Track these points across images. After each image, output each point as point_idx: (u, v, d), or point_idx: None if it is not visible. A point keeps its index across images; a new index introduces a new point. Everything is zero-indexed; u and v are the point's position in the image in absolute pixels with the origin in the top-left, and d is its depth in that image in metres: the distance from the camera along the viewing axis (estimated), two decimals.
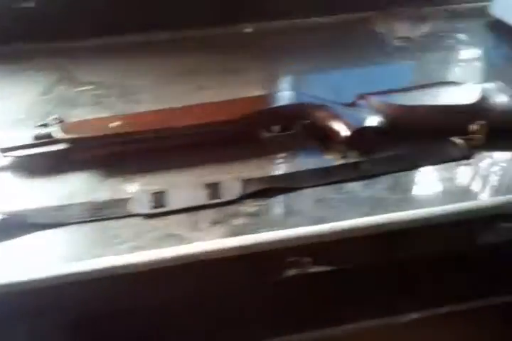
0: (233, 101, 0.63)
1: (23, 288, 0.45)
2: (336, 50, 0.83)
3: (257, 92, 0.68)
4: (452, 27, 0.89)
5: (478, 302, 0.70)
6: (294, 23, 0.89)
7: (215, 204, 0.53)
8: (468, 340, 0.86)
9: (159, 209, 0.52)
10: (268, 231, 0.49)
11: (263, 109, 0.62)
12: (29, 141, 0.58)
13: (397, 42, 0.85)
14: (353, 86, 0.68)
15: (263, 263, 0.50)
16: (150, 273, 0.47)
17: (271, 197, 0.54)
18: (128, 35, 0.83)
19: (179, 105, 0.63)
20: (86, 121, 0.61)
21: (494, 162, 0.58)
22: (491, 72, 0.79)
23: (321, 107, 0.62)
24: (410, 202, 0.53)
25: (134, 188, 0.55)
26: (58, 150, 0.57)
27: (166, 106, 0.63)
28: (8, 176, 0.58)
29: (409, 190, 0.55)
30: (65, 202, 0.53)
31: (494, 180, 0.56)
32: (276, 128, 0.62)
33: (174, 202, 0.53)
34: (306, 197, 0.54)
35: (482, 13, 0.91)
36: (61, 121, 0.60)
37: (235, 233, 0.49)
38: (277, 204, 0.54)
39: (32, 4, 0.81)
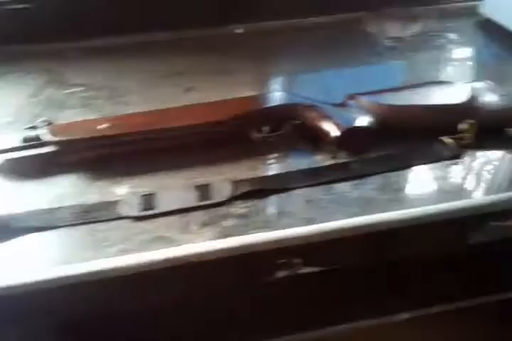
0: (223, 102, 0.63)
1: (11, 292, 0.45)
2: (327, 50, 0.83)
3: (247, 93, 0.68)
4: (442, 26, 0.89)
5: (468, 301, 0.70)
6: (284, 23, 0.89)
7: (205, 206, 0.53)
8: (460, 339, 0.86)
9: (148, 211, 0.52)
10: (258, 232, 0.49)
11: (253, 110, 0.62)
12: (17, 143, 0.57)
13: (388, 42, 0.85)
14: (344, 86, 0.68)
15: (253, 265, 0.50)
16: (140, 275, 0.47)
17: (261, 198, 0.54)
18: (117, 37, 0.83)
19: (168, 107, 0.62)
20: (74, 123, 0.61)
21: (484, 161, 0.58)
22: (481, 72, 0.79)
23: (311, 107, 0.62)
24: (400, 202, 0.53)
25: (123, 190, 0.55)
26: (47, 153, 0.57)
27: (155, 107, 0.63)
28: None
29: (399, 189, 0.55)
30: (54, 205, 0.53)
31: (484, 179, 0.56)
32: (266, 128, 0.62)
33: (164, 204, 0.53)
34: (296, 198, 0.54)
35: (472, 12, 0.91)
36: (49, 124, 0.60)
37: (225, 234, 0.49)
38: (267, 206, 0.53)
39: (21, 6, 0.81)
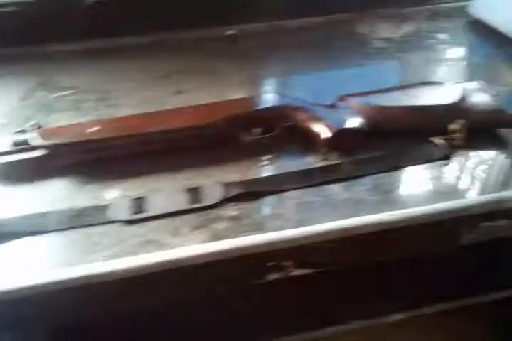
0: (213, 105, 0.63)
1: (2, 297, 0.45)
2: (318, 51, 0.83)
3: (237, 95, 0.68)
4: (432, 27, 0.90)
5: (460, 302, 0.70)
6: (274, 25, 0.89)
7: (196, 209, 0.52)
8: (455, 339, 0.86)
9: (139, 215, 0.52)
10: (250, 235, 0.49)
11: (244, 112, 0.61)
12: (6, 147, 0.57)
13: (378, 43, 0.85)
14: (335, 87, 0.68)
15: (245, 268, 0.50)
16: (131, 280, 0.46)
17: (252, 200, 0.54)
18: (107, 39, 0.83)
19: (159, 109, 0.62)
20: (64, 126, 0.61)
21: (474, 161, 0.58)
22: (471, 72, 0.79)
23: (301, 109, 0.62)
24: (391, 203, 0.53)
25: (114, 194, 0.55)
26: (36, 157, 0.57)
27: (146, 110, 0.63)
28: None
29: (390, 191, 0.55)
30: (44, 210, 0.53)
31: (475, 179, 0.56)
32: (257, 130, 0.61)
33: (154, 207, 0.53)
34: (288, 200, 0.54)
35: (462, 12, 0.92)
36: (39, 127, 0.59)
37: (216, 237, 0.49)
38: (259, 208, 0.53)
39: (10, 9, 0.80)
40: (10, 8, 0.80)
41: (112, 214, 0.52)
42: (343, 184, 0.56)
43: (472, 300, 0.69)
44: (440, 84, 0.66)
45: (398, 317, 0.72)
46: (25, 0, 0.80)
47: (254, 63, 0.80)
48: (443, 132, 0.59)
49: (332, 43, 0.85)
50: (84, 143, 0.57)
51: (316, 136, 0.60)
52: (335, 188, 0.55)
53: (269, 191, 0.55)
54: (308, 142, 0.61)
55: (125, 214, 0.52)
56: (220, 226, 0.51)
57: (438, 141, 0.59)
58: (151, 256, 0.47)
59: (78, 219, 0.52)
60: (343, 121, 0.59)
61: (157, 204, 0.53)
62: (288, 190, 0.55)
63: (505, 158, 0.59)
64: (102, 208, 0.53)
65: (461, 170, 0.57)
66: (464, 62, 0.82)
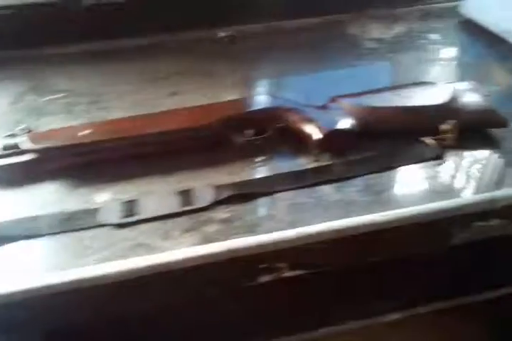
0: (206, 107, 0.63)
1: None
2: (310, 52, 0.83)
3: (230, 97, 0.67)
4: (424, 27, 0.90)
5: (456, 300, 0.70)
6: (266, 26, 0.88)
7: (188, 212, 0.52)
8: (450, 338, 0.86)
9: (130, 218, 0.51)
10: (241, 237, 0.49)
11: (236, 114, 0.61)
12: None
13: (370, 44, 0.85)
14: (327, 88, 0.68)
15: (236, 270, 0.50)
16: (121, 283, 0.46)
17: (244, 202, 0.54)
18: (99, 42, 0.82)
19: (152, 112, 0.62)
20: (54, 130, 0.60)
21: (466, 161, 0.59)
22: (463, 72, 0.79)
23: (293, 110, 0.62)
24: (383, 204, 0.53)
25: (105, 197, 0.55)
26: (26, 161, 0.56)
27: (139, 113, 0.62)
28: None
29: (381, 191, 0.55)
30: (35, 214, 0.52)
31: (466, 179, 0.56)
32: (249, 132, 0.61)
33: (146, 210, 0.52)
34: (280, 202, 0.54)
35: (453, 12, 0.92)
36: (29, 131, 0.59)
37: (207, 240, 0.49)
38: (250, 210, 0.53)
39: (1, 12, 0.80)
40: (4, 11, 0.80)
41: (102, 218, 0.52)
42: (334, 185, 0.56)
43: (466, 299, 0.69)
44: (431, 85, 0.66)
45: (393, 316, 0.72)
46: (20, 3, 0.79)
47: (248, 64, 0.80)
48: (434, 132, 0.59)
49: (324, 44, 0.85)
50: (75, 147, 0.57)
51: (308, 137, 0.60)
52: (326, 189, 0.55)
53: (260, 193, 0.55)
54: (299, 143, 0.61)
55: (116, 218, 0.52)
56: (211, 228, 0.50)
57: (429, 141, 0.59)
58: (141, 260, 0.47)
59: (69, 223, 0.52)
60: (335, 122, 0.59)
61: (148, 207, 0.53)
62: (280, 191, 0.55)
63: (496, 157, 0.59)
64: (93, 212, 0.52)
65: (453, 170, 0.58)
66: (456, 62, 0.82)
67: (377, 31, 0.88)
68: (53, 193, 0.56)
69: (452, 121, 0.59)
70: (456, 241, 0.54)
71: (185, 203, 0.53)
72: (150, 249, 0.48)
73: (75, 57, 0.81)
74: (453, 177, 0.57)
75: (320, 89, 0.70)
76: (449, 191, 0.55)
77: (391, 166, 0.58)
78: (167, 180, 0.57)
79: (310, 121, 0.60)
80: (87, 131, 0.58)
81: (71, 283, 0.45)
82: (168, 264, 0.47)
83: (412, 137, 0.60)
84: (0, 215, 0.52)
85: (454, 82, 0.68)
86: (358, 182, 0.56)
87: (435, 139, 0.59)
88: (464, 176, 0.57)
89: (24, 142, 0.57)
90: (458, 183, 0.56)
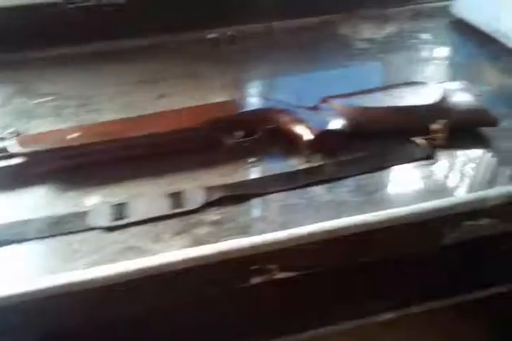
0: (195, 108, 0.63)
1: None
2: (301, 53, 0.83)
3: (220, 98, 0.67)
4: (415, 27, 0.90)
5: (449, 300, 0.70)
6: (256, 27, 0.88)
7: (178, 214, 0.52)
8: (445, 337, 0.86)
9: (120, 221, 0.51)
10: (232, 239, 0.49)
11: (226, 115, 0.61)
12: None
13: (361, 44, 0.85)
14: (318, 89, 0.68)
15: (228, 272, 0.50)
16: (111, 287, 0.46)
17: (235, 204, 0.53)
18: (86, 44, 0.82)
19: (141, 114, 0.62)
20: (43, 133, 0.60)
21: (457, 161, 0.59)
22: (454, 71, 0.79)
23: (284, 111, 0.62)
24: (374, 204, 0.53)
25: (95, 200, 0.54)
26: (15, 165, 0.56)
27: (128, 115, 0.62)
28: None
29: (373, 192, 0.55)
30: (24, 218, 0.52)
31: (457, 178, 0.56)
32: (239, 134, 0.61)
33: (136, 213, 0.52)
34: (271, 203, 0.54)
35: (445, 12, 0.92)
36: (18, 135, 0.59)
37: (198, 242, 0.49)
38: (241, 211, 0.53)
39: None
40: None
41: (92, 221, 0.51)
42: (326, 186, 0.55)
43: (459, 298, 0.69)
44: (422, 85, 0.66)
45: (387, 316, 0.72)
46: (7, 6, 0.78)
47: (238, 66, 0.80)
48: (425, 132, 0.59)
49: (315, 45, 0.85)
50: (64, 150, 0.56)
51: (299, 138, 0.59)
52: (318, 190, 0.55)
53: (252, 194, 0.54)
54: (290, 144, 0.60)
55: (105, 221, 0.51)
56: (202, 231, 0.50)
57: (420, 141, 0.59)
58: (132, 263, 0.46)
59: (58, 227, 0.51)
60: (326, 123, 0.59)
61: (138, 210, 0.52)
62: (271, 192, 0.55)
63: (487, 157, 0.59)
64: (82, 215, 0.52)
65: (444, 169, 0.58)
66: (447, 62, 0.82)
67: (368, 31, 0.88)
68: (42, 197, 0.55)
69: (443, 121, 0.59)
70: (447, 240, 0.54)
71: (175, 205, 0.53)
72: (140, 252, 0.48)
73: (63, 60, 0.80)
74: (444, 176, 0.57)
75: (311, 90, 0.69)
76: (440, 191, 0.55)
77: (382, 166, 0.58)
78: (157, 183, 0.56)
79: (301, 121, 0.60)
80: (75, 134, 0.57)
81: (61, 287, 0.45)
82: (159, 267, 0.46)
83: (403, 137, 0.60)
84: None
85: (445, 81, 0.68)
86: (350, 182, 0.56)
87: (426, 139, 0.59)
88: (454, 176, 0.57)
89: (13, 145, 0.56)
90: (449, 183, 0.56)
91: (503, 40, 0.80)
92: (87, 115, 0.68)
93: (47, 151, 0.56)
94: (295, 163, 0.59)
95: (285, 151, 0.60)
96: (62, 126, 0.63)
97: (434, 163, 0.58)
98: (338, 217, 0.51)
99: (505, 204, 0.53)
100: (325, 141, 0.59)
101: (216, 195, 0.54)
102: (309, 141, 0.58)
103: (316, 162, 0.58)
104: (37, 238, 0.50)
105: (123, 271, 0.46)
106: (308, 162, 0.59)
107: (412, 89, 0.65)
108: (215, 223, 0.51)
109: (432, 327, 0.83)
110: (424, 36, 0.87)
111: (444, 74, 0.79)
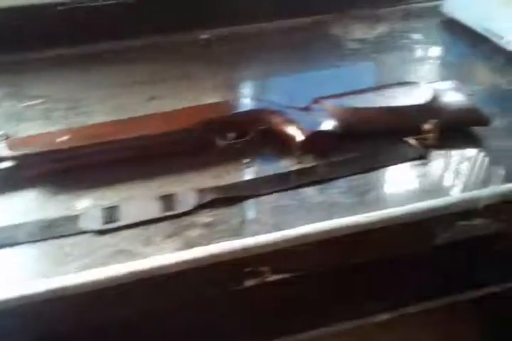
0: (187, 110, 0.62)
1: None
2: (293, 54, 0.82)
3: (212, 100, 0.67)
4: (406, 27, 0.90)
5: (446, 300, 0.70)
6: (248, 28, 0.88)
7: (170, 217, 0.52)
8: (441, 337, 0.86)
9: (111, 224, 0.51)
10: (224, 241, 0.48)
11: (218, 117, 0.61)
12: None
13: (352, 44, 0.85)
14: (310, 90, 0.68)
15: (221, 275, 0.49)
16: (102, 291, 0.45)
17: (227, 206, 0.53)
18: (76, 46, 0.81)
19: (132, 116, 0.61)
20: (33, 136, 0.59)
21: (449, 160, 0.59)
22: (446, 71, 0.79)
23: (275, 112, 0.61)
24: (366, 205, 0.53)
25: (86, 204, 0.54)
26: (4, 168, 0.55)
27: (119, 117, 0.62)
28: None
29: (365, 192, 0.55)
30: (15, 222, 0.52)
31: (450, 178, 0.56)
32: (231, 135, 0.61)
33: (127, 216, 0.52)
34: (263, 205, 0.54)
35: (436, 12, 0.92)
36: (7, 138, 0.58)
37: (190, 245, 0.48)
38: (233, 213, 0.53)
39: None
40: None
41: (83, 225, 0.51)
42: (317, 187, 0.55)
43: (453, 298, 0.69)
44: (413, 84, 0.66)
45: (383, 317, 0.71)
46: None
47: (229, 67, 0.80)
48: (417, 132, 0.59)
49: (306, 45, 0.85)
50: (54, 153, 0.56)
51: (290, 139, 0.59)
52: (310, 191, 0.55)
53: (244, 196, 0.54)
54: (282, 145, 0.60)
55: (97, 224, 0.51)
56: (194, 233, 0.50)
57: (412, 141, 0.59)
58: (123, 267, 0.46)
59: (49, 231, 0.51)
60: (317, 124, 0.59)
61: (129, 213, 0.52)
62: (263, 194, 0.54)
63: (479, 156, 0.59)
64: (73, 218, 0.52)
65: (436, 169, 0.58)
66: (439, 62, 0.82)
67: (359, 31, 0.88)
68: (33, 200, 0.55)
69: (435, 121, 0.58)
70: (440, 241, 0.54)
71: (167, 208, 0.52)
72: (132, 256, 0.47)
73: (52, 62, 0.79)
74: (436, 176, 0.57)
75: (303, 91, 0.69)
76: (432, 191, 0.55)
77: (374, 167, 0.58)
78: (148, 185, 0.56)
79: (292, 122, 0.60)
80: (65, 137, 0.57)
81: (53, 291, 0.45)
82: (150, 270, 0.46)
83: (395, 137, 0.60)
84: None
85: (436, 81, 0.68)
86: (342, 183, 0.56)
87: (418, 139, 0.59)
88: (447, 175, 0.57)
89: (2, 149, 0.56)
90: (441, 183, 0.56)
91: (494, 39, 0.80)
92: (77, 118, 0.67)
93: (37, 154, 0.56)
94: (287, 164, 0.58)
95: (277, 152, 0.60)
96: (52, 128, 0.63)
97: (426, 163, 0.58)
98: (330, 218, 0.50)
99: (498, 203, 0.53)
100: (316, 141, 0.59)
101: (208, 197, 0.53)
102: (301, 142, 0.58)
103: (308, 163, 0.58)
104: (28, 242, 0.50)
105: (114, 275, 0.45)
106: (300, 163, 0.58)
107: (403, 89, 0.65)
108: (207, 225, 0.51)
109: (427, 327, 0.83)
110: (416, 36, 0.87)
111: (436, 73, 0.79)
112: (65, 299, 0.45)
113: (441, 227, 0.54)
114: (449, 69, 0.79)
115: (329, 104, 0.62)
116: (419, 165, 0.58)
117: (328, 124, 0.59)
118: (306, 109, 0.62)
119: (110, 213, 0.52)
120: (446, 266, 0.65)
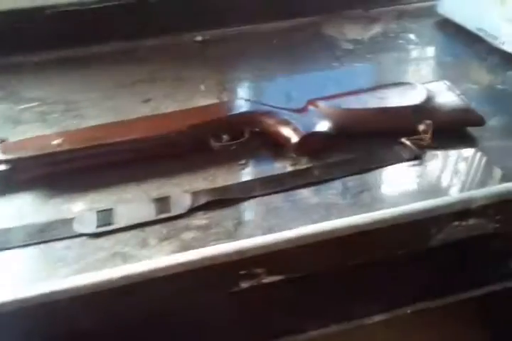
0: (181, 112, 0.63)
1: None
2: (287, 55, 0.82)
3: (206, 102, 0.67)
4: (401, 27, 0.90)
5: (443, 300, 0.70)
6: (242, 29, 0.88)
7: (164, 219, 0.52)
8: (439, 337, 0.86)
9: (106, 227, 0.51)
10: (219, 243, 0.48)
11: (212, 119, 0.61)
12: None
13: (347, 45, 0.85)
14: (305, 91, 0.68)
15: (216, 277, 0.49)
16: (97, 294, 0.45)
17: (222, 208, 0.53)
18: (70, 49, 0.81)
19: (126, 118, 0.61)
20: (27, 140, 0.59)
21: (444, 161, 0.59)
22: (441, 71, 0.80)
23: (270, 114, 0.61)
24: (361, 206, 0.53)
25: (80, 207, 0.54)
26: None
27: (113, 120, 0.62)
28: None
29: (360, 194, 0.55)
30: (9, 225, 0.52)
31: (445, 178, 0.56)
32: (225, 137, 0.61)
33: (121, 219, 0.52)
34: (258, 206, 0.54)
35: (430, 12, 0.92)
36: (2, 141, 0.58)
37: (185, 248, 0.48)
38: (228, 216, 0.53)
39: None
40: None
41: (78, 228, 0.51)
42: (312, 188, 0.55)
43: (451, 298, 0.69)
44: (408, 85, 0.66)
45: (380, 317, 0.71)
46: None
47: (223, 69, 0.79)
48: (412, 133, 0.59)
49: (301, 46, 0.85)
50: (48, 156, 0.56)
51: (285, 140, 0.59)
52: (305, 193, 0.55)
53: (239, 198, 0.54)
54: (277, 147, 0.60)
55: (91, 227, 0.51)
56: (189, 236, 0.50)
57: (407, 141, 0.59)
58: (118, 270, 0.46)
59: (44, 234, 0.51)
60: (312, 125, 0.59)
61: (124, 215, 0.52)
62: (258, 196, 0.54)
63: (474, 156, 0.59)
64: (68, 221, 0.52)
65: (431, 170, 0.58)
66: (433, 62, 0.82)
67: (354, 32, 0.88)
68: (28, 204, 0.55)
69: (428, 121, 0.58)
70: (437, 241, 0.54)
71: (161, 211, 0.52)
72: (127, 258, 0.48)
73: (48, 65, 0.79)
74: (431, 177, 0.57)
75: (297, 92, 0.69)
76: (428, 191, 0.55)
77: (369, 168, 0.58)
78: (143, 188, 0.56)
79: (287, 124, 0.60)
80: (59, 140, 0.57)
81: (48, 294, 0.44)
82: (145, 273, 0.46)
83: (390, 138, 0.60)
84: None
85: (431, 81, 0.68)
86: (337, 184, 0.56)
87: (413, 140, 0.59)
88: (442, 176, 0.57)
89: None
90: (437, 183, 0.56)
91: (488, 39, 0.80)
92: (72, 120, 0.67)
93: (31, 158, 0.56)
94: (282, 166, 0.59)
95: (272, 154, 0.60)
96: (48, 131, 0.63)
97: (421, 164, 0.58)
98: (326, 219, 0.50)
99: (494, 203, 0.53)
100: (311, 143, 0.59)
101: (203, 200, 0.53)
102: (295, 144, 0.58)
103: (303, 164, 0.58)
104: (23, 245, 0.50)
105: (109, 278, 0.45)
106: (294, 164, 0.58)
107: (397, 90, 0.65)
108: (202, 228, 0.51)
109: (425, 327, 0.83)
110: (410, 36, 0.87)
111: (431, 74, 0.79)
112: (60, 303, 0.45)
113: (438, 228, 0.54)
114: (444, 70, 0.79)
115: (323, 105, 0.62)
116: (414, 165, 0.58)
117: (322, 125, 0.59)
118: (301, 110, 0.62)
119: (105, 216, 0.52)
120: (443, 265, 0.65)
